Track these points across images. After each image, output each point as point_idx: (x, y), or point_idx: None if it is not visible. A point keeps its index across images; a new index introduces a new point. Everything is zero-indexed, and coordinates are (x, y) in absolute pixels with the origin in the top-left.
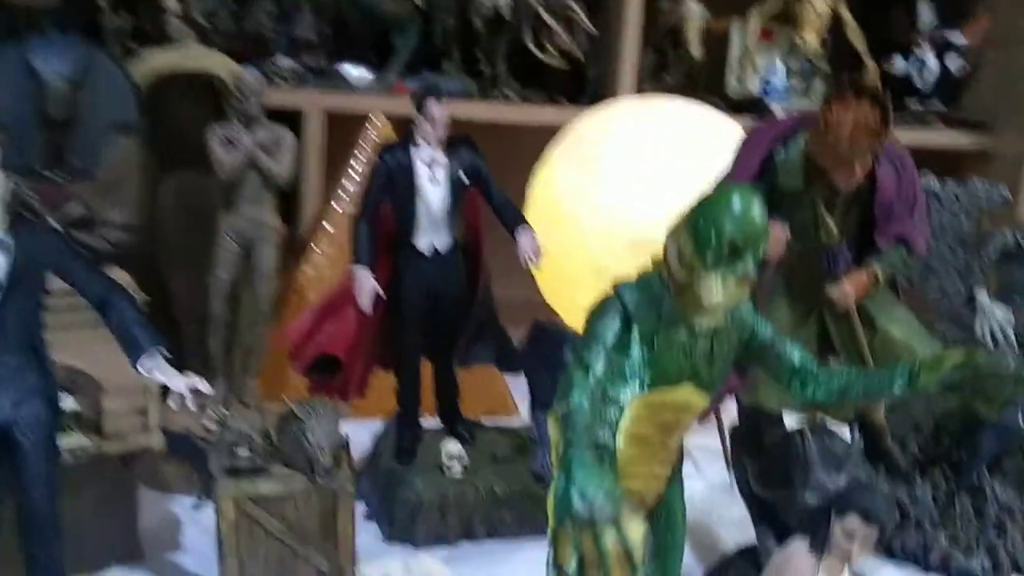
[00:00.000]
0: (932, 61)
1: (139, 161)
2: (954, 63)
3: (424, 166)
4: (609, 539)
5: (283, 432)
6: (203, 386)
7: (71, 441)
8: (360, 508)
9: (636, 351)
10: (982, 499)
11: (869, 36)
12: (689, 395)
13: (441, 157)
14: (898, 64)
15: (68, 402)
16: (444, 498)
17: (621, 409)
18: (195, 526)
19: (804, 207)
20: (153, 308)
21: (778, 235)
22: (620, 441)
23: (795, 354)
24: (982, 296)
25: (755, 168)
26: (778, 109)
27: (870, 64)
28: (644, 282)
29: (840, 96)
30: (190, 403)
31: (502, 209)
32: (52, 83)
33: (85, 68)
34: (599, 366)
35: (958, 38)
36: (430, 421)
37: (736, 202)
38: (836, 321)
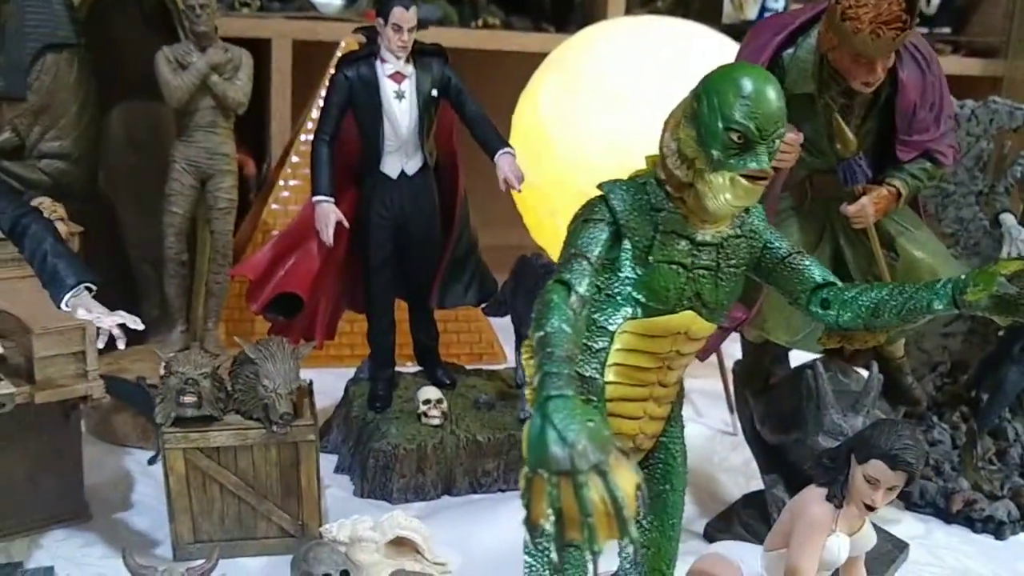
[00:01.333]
0: None
1: (75, 83)
2: None
3: (389, 80)
4: (593, 490)
5: (236, 377)
6: (132, 323)
7: None
8: (331, 460)
9: (627, 268)
10: (1005, 441)
11: None
12: (690, 321)
13: (408, 70)
14: None
15: None
16: (421, 448)
17: (611, 337)
18: (149, 482)
19: (817, 113)
20: (104, 251)
21: (793, 138)
22: (609, 375)
23: (816, 270)
24: (1008, 219)
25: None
26: None
27: None
28: (637, 185)
29: None
30: (120, 343)
31: (479, 128)
32: None
33: None
34: (583, 286)
35: None
36: (408, 366)
37: (747, 84)
38: (852, 242)
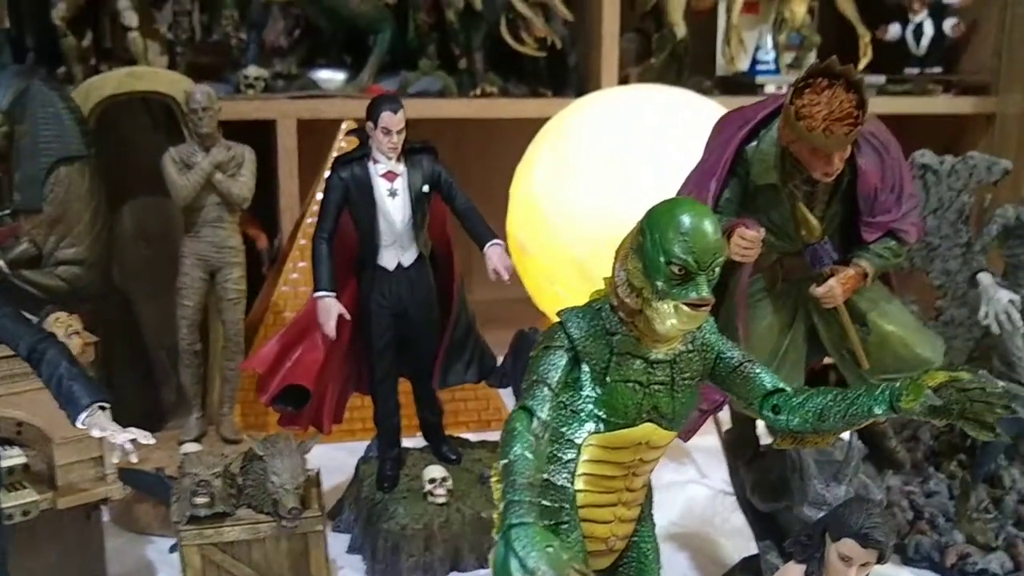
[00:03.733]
0: (928, 25)
1: (87, 192)
2: (950, 26)
3: (382, 179)
4: None
5: (247, 473)
6: (143, 438)
7: (22, 498)
8: (343, 540)
9: (588, 387)
10: (1001, 488)
11: (861, 3)
12: (651, 432)
13: (400, 168)
14: (892, 30)
15: (17, 457)
16: (427, 527)
17: (578, 449)
18: (171, 570)
19: (782, 202)
20: (121, 341)
21: (754, 236)
22: (579, 483)
23: (766, 377)
24: (985, 278)
25: (727, 162)
26: (771, 85)
27: (863, 32)
28: (593, 311)
29: (811, 82)
30: (132, 456)
31: (468, 221)
32: None
33: (21, 100)
34: (543, 411)
35: None
36: (416, 440)
37: (684, 220)
38: (825, 320)
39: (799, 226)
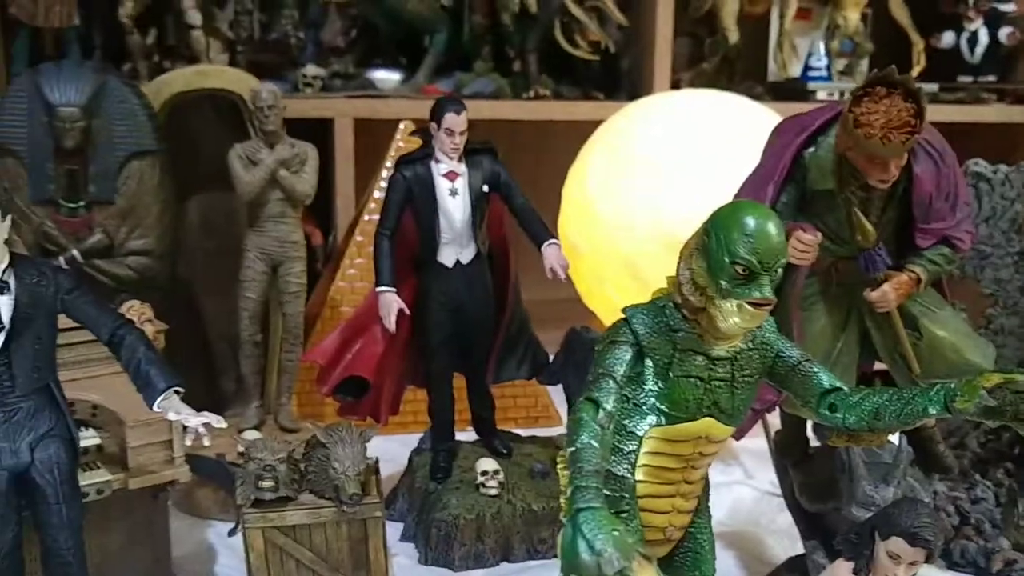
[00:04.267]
0: (983, 33)
1: (157, 185)
2: (1006, 34)
3: (444, 179)
4: None
5: (309, 459)
6: (216, 422)
7: (96, 477)
8: (397, 528)
9: (650, 382)
10: None
11: (915, 10)
12: (710, 426)
13: (461, 168)
14: (946, 38)
15: (91, 438)
16: (480, 518)
17: (639, 441)
18: (230, 553)
19: (838, 208)
20: (184, 331)
21: (811, 240)
22: (640, 474)
23: (824, 376)
24: None
25: (784, 167)
26: (822, 92)
27: (917, 40)
28: (657, 308)
29: (869, 91)
30: (205, 439)
31: (526, 220)
32: (65, 113)
33: (97, 96)
34: (609, 403)
35: (1009, 6)
36: (469, 434)
37: (749, 222)
38: (878, 325)
39: (854, 231)
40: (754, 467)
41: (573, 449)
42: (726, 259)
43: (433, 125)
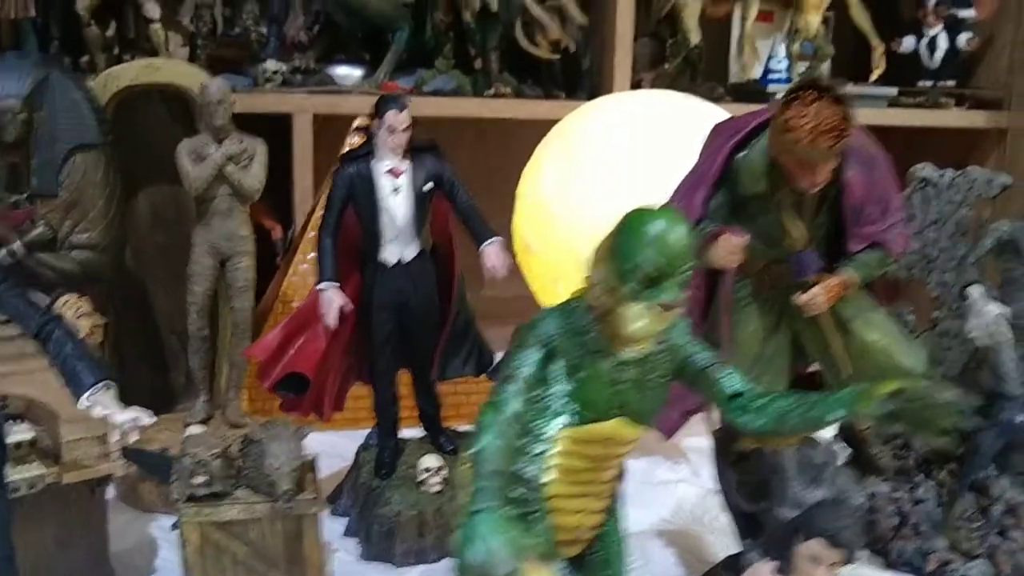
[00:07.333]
0: (943, 39)
1: (101, 179)
2: (965, 40)
3: (386, 176)
4: None
5: (245, 455)
6: (145, 418)
7: (29, 471)
8: (341, 523)
9: (561, 383)
10: (987, 498)
11: (876, 15)
12: (619, 428)
13: (404, 166)
14: (907, 43)
15: (25, 432)
16: (421, 515)
17: (549, 442)
18: (171, 547)
19: (769, 211)
20: (135, 324)
21: (737, 243)
22: (550, 475)
23: (734, 379)
24: (975, 291)
25: (717, 170)
26: (781, 94)
27: (877, 44)
28: (568, 310)
29: (798, 95)
30: (132, 436)
31: (468, 219)
32: (6, 106)
33: (40, 89)
34: (514, 404)
35: (968, 13)
36: (418, 430)
37: (654, 229)
38: (808, 328)
39: (785, 235)
40: (701, 465)
41: (475, 451)
42: (633, 263)
43: (376, 122)
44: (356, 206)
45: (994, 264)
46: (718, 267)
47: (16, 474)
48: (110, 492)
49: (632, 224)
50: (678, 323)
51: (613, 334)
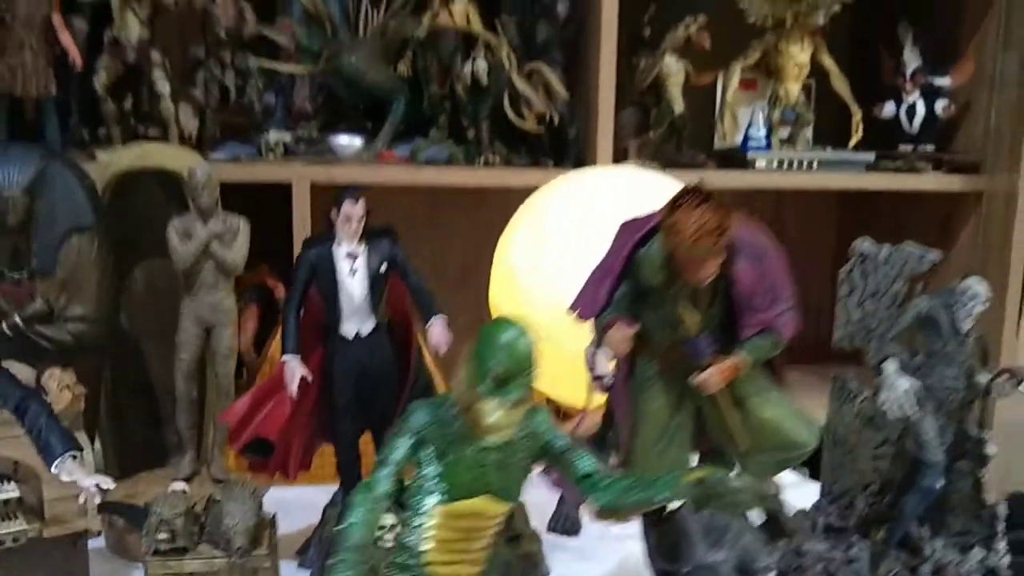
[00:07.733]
0: (920, 105)
1: (95, 258)
2: (941, 107)
3: (344, 260)
4: None
5: (208, 513)
6: (106, 484)
7: (14, 526)
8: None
9: (432, 467)
10: (919, 558)
11: (857, 81)
12: (485, 504)
13: (359, 250)
14: (888, 108)
15: (12, 491)
16: (373, 569)
17: (425, 516)
18: None
19: (667, 301)
20: (128, 384)
21: (627, 332)
22: (428, 544)
23: (586, 463)
24: (889, 366)
25: (621, 263)
26: (761, 161)
27: (855, 110)
28: (439, 403)
29: (682, 201)
30: (96, 498)
31: (416, 298)
32: (10, 194)
33: (40, 178)
34: (384, 485)
35: (944, 81)
36: None
37: (501, 338)
38: (708, 404)
39: (680, 322)
40: None
41: (344, 526)
42: (486, 367)
43: (334, 211)
44: (318, 285)
45: (917, 339)
46: (614, 353)
47: (3, 528)
48: (100, 542)
49: (488, 332)
50: (539, 412)
51: (475, 424)
